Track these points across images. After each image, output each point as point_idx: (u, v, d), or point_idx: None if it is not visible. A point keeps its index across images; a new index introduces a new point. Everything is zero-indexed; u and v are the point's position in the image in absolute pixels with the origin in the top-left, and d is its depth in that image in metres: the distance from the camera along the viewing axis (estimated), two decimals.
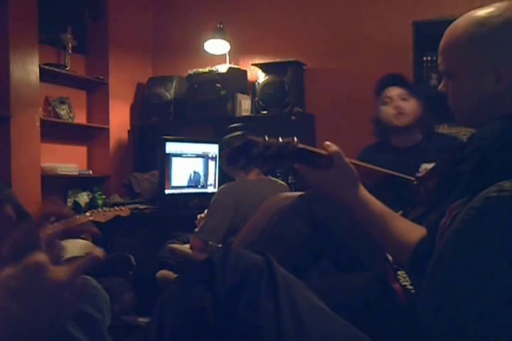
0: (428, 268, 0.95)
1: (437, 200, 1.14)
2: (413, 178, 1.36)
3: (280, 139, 1.08)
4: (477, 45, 1.10)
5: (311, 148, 1.12)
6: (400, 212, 1.32)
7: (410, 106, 2.33)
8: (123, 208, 2.53)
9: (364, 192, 1.15)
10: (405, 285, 1.17)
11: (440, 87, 1.21)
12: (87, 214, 2.39)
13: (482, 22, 1.09)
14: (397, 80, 2.36)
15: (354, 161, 1.39)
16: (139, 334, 2.57)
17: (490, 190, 0.88)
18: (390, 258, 1.25)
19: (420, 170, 2.06)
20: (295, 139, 1.09)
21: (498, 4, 1.10)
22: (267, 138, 1.08)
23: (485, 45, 1.09)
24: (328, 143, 1.13)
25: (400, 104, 2.32)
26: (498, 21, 1.08)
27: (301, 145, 1.09)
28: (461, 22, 1.13)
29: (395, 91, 2.34)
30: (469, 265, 0.88)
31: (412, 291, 1.13)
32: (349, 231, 1.56)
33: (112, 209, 2.48)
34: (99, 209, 2.45)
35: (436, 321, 0.91)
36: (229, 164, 1.08)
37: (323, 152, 1.12)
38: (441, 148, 2.16)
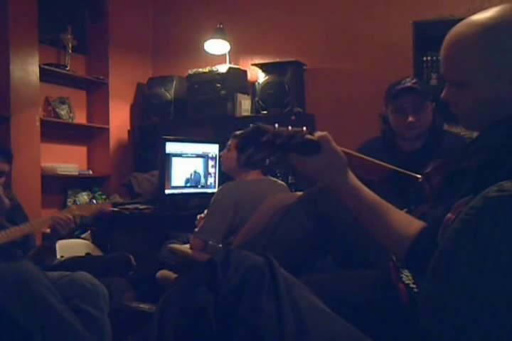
0: (428, 268, 0.95)
1: (442, 198, 1.14)
2: (418, 175, 1.36)
3: (290, 128, 1.09)
4: (489, 52, 1.07)
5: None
6: (405, 210, 1.32)
7: (423, 116, 2.20)
8: (106, 203, 2.55)
9: (354, 179, 1.13)
10: (408, 284, 1.16)
11: (444, 95, 1.17)
12: (73, 207, 2.40)
13: (490, 27, 1.06)
14: (410, 91, 2.18)
15: (361, 156, 1.38)
16: (140, 335, 2.57)
17: (490, 190, 0.88)
18: (393, 256, 1.25)
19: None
20: (304, 129, 1.09)
21: (500, 7, 1.08)
22: (276, 126, 1.08)
23: (498, 51, 1.06)
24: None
25: (412, 118, 2.17)
26: (506, 23, 1.05)
27: (309, 136, 1.09)
28: (467, 29, 1.09)
29: (407, 103, 2.19)
30: (469, 265, 0.88)
31: (415, 290, 1.13)
32: (354, 227, 1.56)
33: (95, 203, 2.49)
34: (84, 204, 2.46)
35: (436, 321, 0.91)
36: (242, 151, 1.08)
37: (313, 137, 1.11)
38: (449, 148, 2.07)
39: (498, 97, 1.08)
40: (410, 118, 2.18)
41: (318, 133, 1.12)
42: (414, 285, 1.15)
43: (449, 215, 0.99)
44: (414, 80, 2.24)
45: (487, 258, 0.87)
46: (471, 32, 1.08)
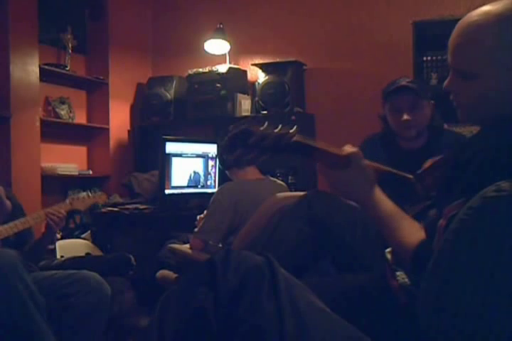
0: (427, 269, 0.95)
1: (438, 199, 1.14)
2: (411, 176, 1.36)
3: (278, 128, 1.08)
4: (504, 44, 1.03)
5: (309, 142, 1.11)
6: None
7: (419, 115, 2.20)
8: (100, 195, 2.55)
9: (378, 192, 1.17)
10: (404, 285, 1.17)
11: (447, 83, 1.14)
12: (67, 201, 2.41)
13: (506, 19, 1.03)
14: (405, 90, 2.19)
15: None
16: (140, 335, 2.57)
17: (488, 190, 0.88)
18: (389, 258, 1.26)
19: None
20: (291, 131, 1.08)
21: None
22: (263, 128, 1.08)
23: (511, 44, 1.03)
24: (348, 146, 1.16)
25: (408, 117, 2.18)
26: None
27: (297, 138, 1.09)
28: (482, 18, 1.05)
29: (402, 102, 2.20)
30: (468, 265, 0.88)
31: (411, 291, 1.13)
32: (349, 231, 1.56)
33: (90, 196, 2.49)
34: (79, 196, 2.46)
35: (435, 321, 0.91)
36: (227, 152, 1.10)
37: (326, 148, 1.12)
38: (450, 147, 2.06)
39: (505, 92, 1.05)
40: (405, 117, 2.19)
41: (348, 150, 1.14)
42: (410, 286, 1.16)
43: (440, 222, 0.99)
44: (408, 79, 2.25)
45: (485, 258, 0.87)
46: (486, 22, 1.04)
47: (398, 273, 1.21)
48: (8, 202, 2.19)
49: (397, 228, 1.13)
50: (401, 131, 2.24)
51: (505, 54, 1.04)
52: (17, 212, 2.30)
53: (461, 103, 1.14)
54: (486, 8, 1.06)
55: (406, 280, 1.17)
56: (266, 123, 1.08)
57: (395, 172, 1.38)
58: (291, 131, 1.08)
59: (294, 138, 1.08)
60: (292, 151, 1.10)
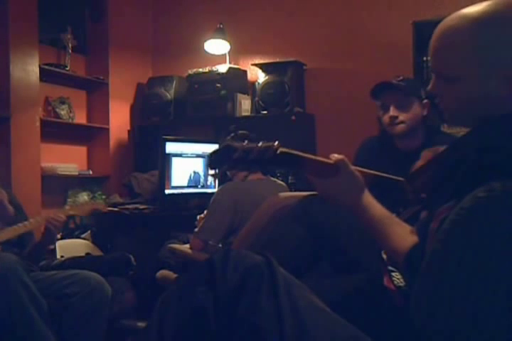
0: (420, 269, 0.95)
1: (429, 201, 1.14)
2: (401, 179, 1.36)
3: (260, 143, 1.08)
4: (481, 48, 1.03)
5: (296, 152, 1.11)
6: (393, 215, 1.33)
7: (406, 113, 2.20)
8: (100, 202, 2.56)
9: (367, 197, 1.17)
10: (400, 286, 1.18)
11: (430, 87, 1.14)
12: (67, 207, 2.42)
13: (482, 22, 1.03)
14: (391, 87, 2.19)
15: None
16: (139, 335, 2.56)
17: (479, 190, 0.88)
18: (385, 259, 1.26)
19: None
20: (275, 144, 1.08)
21: (492, 1, 1.04)
22: (245, 143, 1.08)
23: (489, 47, 1.03)
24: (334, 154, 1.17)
25: (395, 114, 2.19)
26: (499, 19, 1.02)
27: (283, 150, 1.08)
28: (459, 22, 1.05)
29: (389, 99, 2.21)
30: (461, 265, 0.88)
31: (407, 292, 1.13)
32: (345, 233, 1.57)
33: (89, 202, 2.50)
34: (79, 202, 2.48)
35: (430, 321, 0.91)
36: (213, 168, 1.10)
37: (313, 157, 1.12)
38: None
39: (487, 95, 1.05)
40: (391, 113, 2.20)
41: (334, 157, 1.14)
42: (405, 287, 1.16)
43: (432, 224, 0.99)
44: (400, 78, 2.25)
45: (478, 258, 0.87)
46: (464, 26, 1.04)
47: (394, 273, 1.21)
48: (10, 208, 2.20)
49: (388, 233, 1.13)
50: (390, 128, 2.24)
51: (483, 57, 1.03)
52: (17, 212, 2.30)
53: (445, 106, 1.13)
54: (463, 11, 1.07)
55: (401, 281, 1.18)
56: (246, 141, 1.08)
57: (384, 176, 1.38)
58: (275, 144, 1.08)
59: (280, 150, 1.08)
60: (279, 163, 1.10)
